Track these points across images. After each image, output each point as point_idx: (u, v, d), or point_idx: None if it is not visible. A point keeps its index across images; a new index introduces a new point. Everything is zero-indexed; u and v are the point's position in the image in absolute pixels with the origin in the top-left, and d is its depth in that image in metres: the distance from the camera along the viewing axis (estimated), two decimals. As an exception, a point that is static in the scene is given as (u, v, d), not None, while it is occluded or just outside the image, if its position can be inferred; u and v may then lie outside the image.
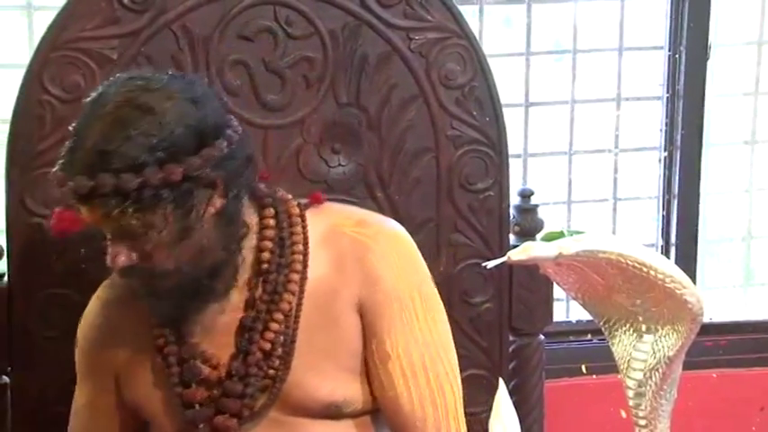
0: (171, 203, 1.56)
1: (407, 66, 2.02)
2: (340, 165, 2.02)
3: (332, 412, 1.72)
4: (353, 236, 1.73)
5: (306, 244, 1.72)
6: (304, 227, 1.73)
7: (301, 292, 1.70)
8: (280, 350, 1.69)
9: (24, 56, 2.30)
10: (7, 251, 1.98)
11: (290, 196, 1.76)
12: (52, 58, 1.95)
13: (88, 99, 1.60)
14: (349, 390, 1.73)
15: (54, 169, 1.58)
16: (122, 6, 1.95)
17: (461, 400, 1.77)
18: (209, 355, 1.71)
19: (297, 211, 1.74)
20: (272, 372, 1.69)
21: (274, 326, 1.69)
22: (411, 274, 1.74)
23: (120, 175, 1.53)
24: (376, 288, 1.71)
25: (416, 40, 2.02)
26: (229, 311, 1.70)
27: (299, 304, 1.70)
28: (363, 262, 1.71)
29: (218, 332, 1.71)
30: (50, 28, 1.95)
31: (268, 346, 1.69)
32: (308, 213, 1.76)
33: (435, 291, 1.78)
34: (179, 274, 1.61)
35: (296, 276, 1.70)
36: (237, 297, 1.70)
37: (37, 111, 1.95)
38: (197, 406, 1.70)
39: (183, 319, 1.70)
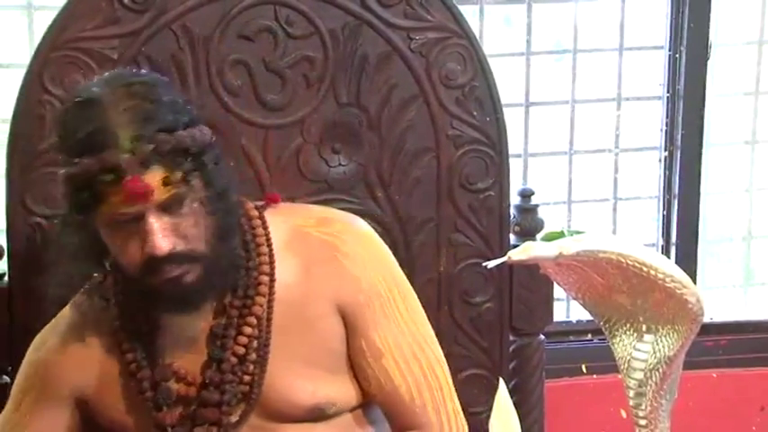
0: (203, 170, 1.59)
1: (408, 65, 2.02)
2: (340, 164, 2.02)
3: (315, 415, 1.72)
4: (319, 236, 1.73)
5: (270, 245, 1.71)
6: (265, 228, 1.72)
7: (271, 294, 1.69)
8: (254, 355, 1.68)
9: (25, 56, 2.30)
10: (8, 251, 1.98)
11: (243, 199, 1.74)
12: (52, 58, 1.95)
13: (76, 100, 1.58)
14: (331, 390, 1.72)
15: (80, 159, 1.55)
16: (123, 6, 1.95)
17: (451, 379, 1.78)
18: (183, 373, 1.70)
19: (255, 213, 1.73)
20: (247, 378, 1.68)
21: (248, 330, 1.68)
22: (383, 269, 1.75)
23: (174, 134, 1.55)
24: (354, 289, 1.71)
25: (417, 39, 2.02)
26: (198, 322, 1.69)
27: (270, 307, 1.69)
28: (335, 264, 1.71)
29: (188, 346, 1.70)
30: (51, 28, 1.95)
31: (242, 350, 1.68)
32: (267, 214, 1.74)
33: (405, 278, 1.79)
34: (208, 256, 1.61)
35: (265, 278, 1.69)
36: (206, 306, 1.68)
37: (37, 110, 1.95)
38: (169, 429, 1.69)
39: (158, 331, 1.68)
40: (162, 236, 1.56)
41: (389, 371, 1.73)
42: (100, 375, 1.74)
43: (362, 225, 1.79)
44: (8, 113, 1.98)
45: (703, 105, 2.71)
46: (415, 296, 1.79)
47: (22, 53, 2.42)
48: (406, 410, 1.73)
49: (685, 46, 2.68)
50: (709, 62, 2.70)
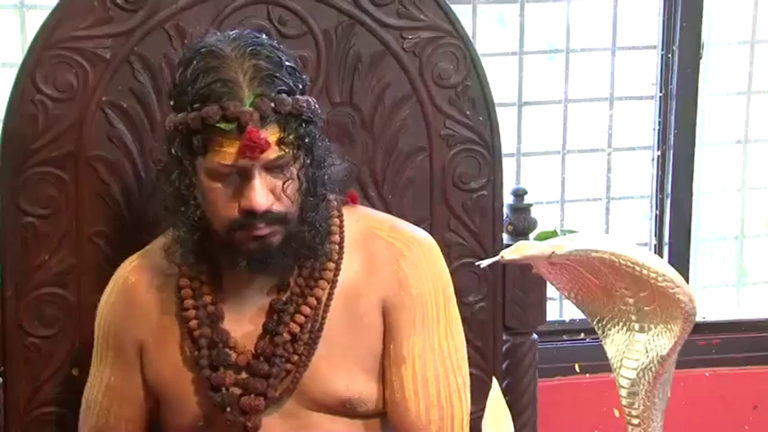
0: (310, 139, 1.65)
1: (401, 65, 2.02)
2: (333, 164, 2.01)
3: (346, 410, 1.74)
4: (389, 240, 1.77)
5: (342, 237, 1.74)
6: (341, 221, 1.76)
7: (334, 282, 1.73)
8: (306, 336, 1.71)
9: (17, 55, 2.30)
10: (0, 251, 1.98)
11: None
12: (45, 58, 1.94)
13: (201, 50, 1.63)
14: (365, 389, 1.74)
15: (200, 106, 1.59)
16: (115, 5, 1.95)
17: (468, 419, 1.79)
18: (235, 342, 1.72)
19: (335, 204, 1.77)
20: (295, 357, 1.71)
21: (306, 310, 1.71)
22: (437, 286, 1.77)
23: (294, 97, 1.62)
24: (403, 292, 1.74)
25: (410, 39, 2.02)
26: (259, 296, 1.73)
27: (330, 294, 1.72)
28: (395, 265, 1.75)
29: (244, 319, 1.73)
30: (43, 27, 1.95)
31: (297, 328, 1.71)
32: (344, 210, 1.78)
33: (455, 304, 1.81)
34: (296, 222, 1.66)
35: (332, 265, 1.73)
36: (269, 283, 1.73)
37: (30, 110, 1.94)
38: (224, 389, 1.71)
39: (220, 298, 1.73)
40: (263, 193, 1.61)
41: (405, 380, 1.74)
42: (157, 332, 1.77)
43: (430, 240, 1.82)
44: (1, 113, 1.98)
45: (696, 105, 2.72)
46: (460, 324, 1.81)
47: (14, 52, 2.41)
48: (410, 425, 1.74)
49: (678, 46, 2.68)
50: (701, 62, 2.70)
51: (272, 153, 1.61)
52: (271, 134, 1.60)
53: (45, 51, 1.94)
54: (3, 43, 2.47)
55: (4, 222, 1.97)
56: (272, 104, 1.60)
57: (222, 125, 1.59)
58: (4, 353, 1.99)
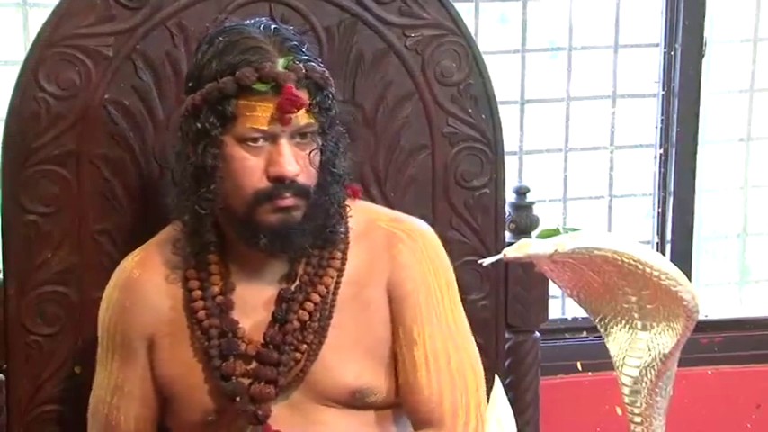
0: (329, 112, 1.68)
1: (403, 63, 2.02)
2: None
3: (356, 400, 1.74)
4: (389, 229, 1.79)
5: (347, 228, 1.76)
6: (346, 212, 1.76)
7: (341, 270, 1.74)
8: (316, 324, 1.72)
9: (19, 53, 2.29)
10: (2, 248, 1.98)
11: None
12: (47, 55, 1.94)
13: (226, 29, 1.69)
14: (375, 378, 1.75)
15: (232, 74, 1.62)
16: (118, 3, 1.95)
17: (484, 395, 1.79)
18: (243, 332, 1.73)
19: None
20: (304, 346, 1.72)
21: (315, 297, 1.72)
22: (438, 269, 1.79)
23: (322, 67, 1.68)
24: (405, 276, 1.76)
25: (412, 37, 2.02)
26: (268, 288, 1.74)
27: (338, 282, 1.74)
28: (395, 251, 1.77)
29: (254, 309, 1.74)
30: (46, 25, 1.95)
31: (306, 316, 1.72)
32: (347, 203, 1.78)
33: (456, 287, 1.82)
34: (315, 198, 1.68)
35: (339, 254, 1.75)
36: (278, 272, 1.74)
37: (32, 108, 1.94)
38: (234, 379, 1.71)
39: (229, 289, 1.73)
40: (292, 160, 1.63)
41: (417, 363, 1.75)
42: (167, 322, 1.77)
43: (430, 230, 1.84)
44: (3, 111, 1.98)
45: (698, 103, 2.71)
46: (461, 305, 1.82)
47: (17, 50, 2.41)
48: (422, 404, 1.75)
49: (680, 43, 2.68)
50: (704, 60, 2.70)
51: (303, 119, 1.65)
52: (301, 97, 1.64)
53: (47, 49, 1.94)
54: (5, 41, 2.47)
55: (7, 220, 1.97)
56: (304, 70, 1.64)
57: (258, 86, 1.62)
58: (6, 351, 1.99)
